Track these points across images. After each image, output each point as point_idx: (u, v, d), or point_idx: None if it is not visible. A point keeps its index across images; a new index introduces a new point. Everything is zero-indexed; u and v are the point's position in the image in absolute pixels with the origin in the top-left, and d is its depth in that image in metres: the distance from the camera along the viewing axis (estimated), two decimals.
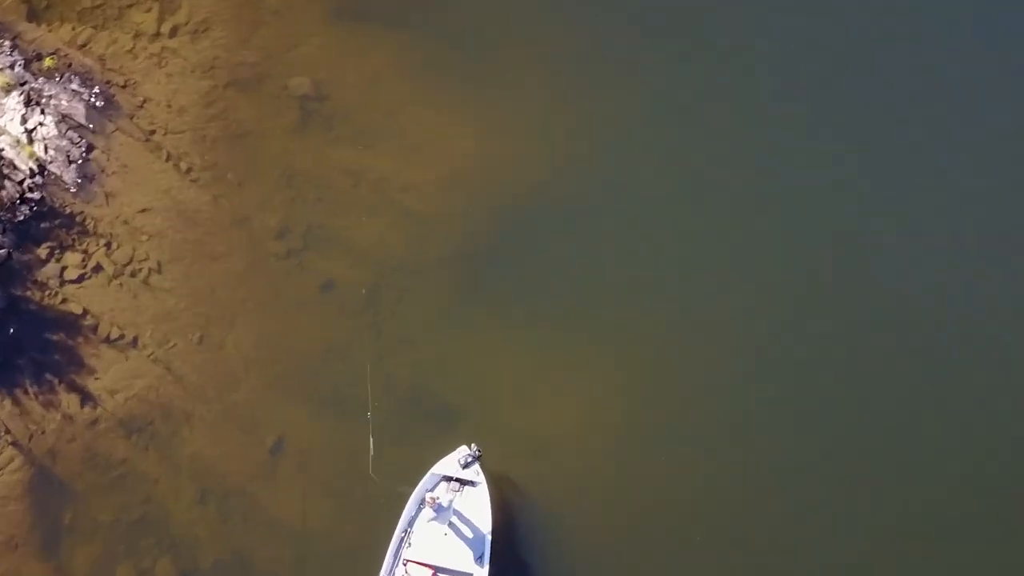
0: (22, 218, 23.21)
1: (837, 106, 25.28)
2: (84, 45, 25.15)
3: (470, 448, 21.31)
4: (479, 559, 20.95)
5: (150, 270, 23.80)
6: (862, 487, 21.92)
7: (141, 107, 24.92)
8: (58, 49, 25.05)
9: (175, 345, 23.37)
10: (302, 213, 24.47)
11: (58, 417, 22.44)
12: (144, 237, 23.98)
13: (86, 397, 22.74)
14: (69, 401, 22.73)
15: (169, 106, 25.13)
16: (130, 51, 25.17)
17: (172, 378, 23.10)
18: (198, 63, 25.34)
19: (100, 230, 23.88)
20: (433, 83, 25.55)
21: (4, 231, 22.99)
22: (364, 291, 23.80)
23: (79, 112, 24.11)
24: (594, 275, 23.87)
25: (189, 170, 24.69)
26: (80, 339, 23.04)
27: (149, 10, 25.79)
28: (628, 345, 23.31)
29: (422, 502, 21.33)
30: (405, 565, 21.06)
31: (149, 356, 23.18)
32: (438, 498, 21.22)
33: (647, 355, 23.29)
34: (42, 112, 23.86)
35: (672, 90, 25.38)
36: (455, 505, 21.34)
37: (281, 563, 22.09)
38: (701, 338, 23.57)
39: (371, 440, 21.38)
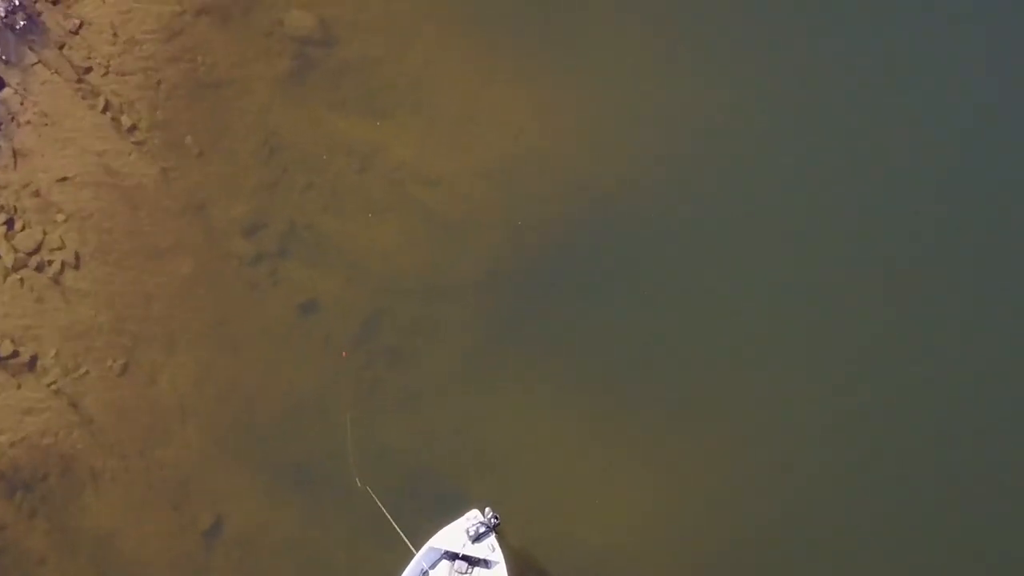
0: None
1: None
2: None
3: (484, 514, 19.05)
4: None
5: (64, 264, 20.76)
6: None
7: (76, 33, 21.79)
8: None
9: (88, 373, 20.48)
10: (284, 204, 21.54)
11: None
12: (60, 217, 20.79)
13: None
14: None
15: (115, 36, 21.96)
16: None
17: (79, 419, 20.16)
18: None
19: (1, 201, 20.67)
20: (485, 36, 22.71)
21: None
22: (361, 319, 20.68)
23: None
24: (683, 327, 20.87)
25: (133, 128, 21.67)
26: None
27: None
28: (718, 431, 20.64)
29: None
30: None
31: (50, 386, 20.21)
32: None
33: (743, 451, 20.50)
34: None
35: (822, 77, 22.51)
36: None
37: None
38: (827, 438, 20.61)
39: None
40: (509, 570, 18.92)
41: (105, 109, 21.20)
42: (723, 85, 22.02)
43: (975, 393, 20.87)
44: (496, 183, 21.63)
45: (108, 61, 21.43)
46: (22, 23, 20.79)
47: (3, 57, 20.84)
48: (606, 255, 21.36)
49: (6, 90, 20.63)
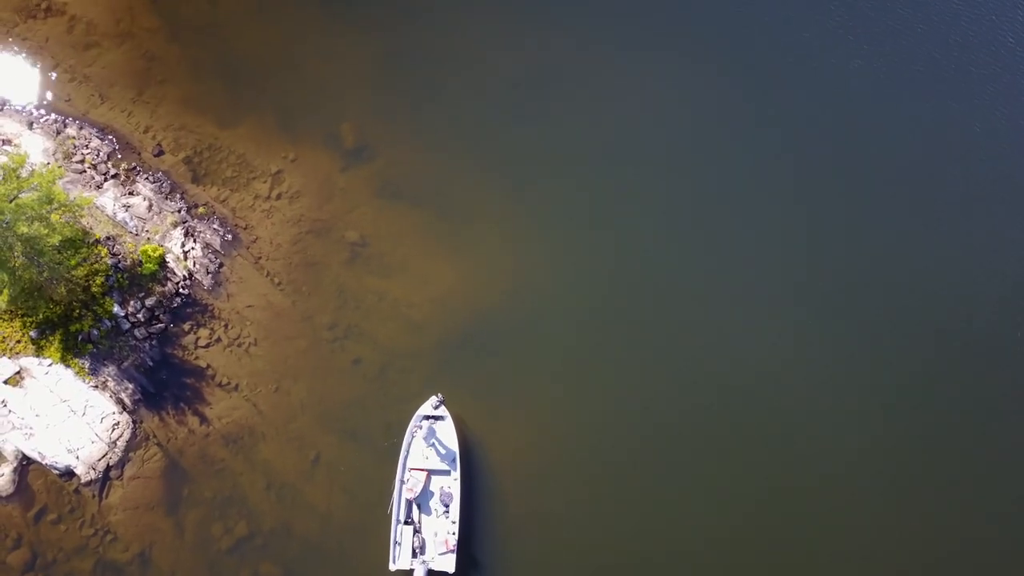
0: (176, 305, 31.25)
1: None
2: (223, 200, 32.26)
3: (437, 397, 29.29)
4: (452, 462, 28.54)
5: (249, 344, 30.76)
6: None
7: (254, 242, 31.65)
8: (208, 202, 32.35)
9: (260, 391, 30.31)
10: (345, 316, 31.05)
11: (185, 430, 29.32)
12: (248, 322, 30.97)
13: (203, 419, 29.54)
14: (193, 420, 29.52)
15: (271, 243, 31.92)
16: (251, 207, 32.31)
17: (256, 411, 29.72)
18: (291, 217, 32.39)
19: (222, 316, 31.08)
20: (432, 240, 32.37)
21: (165, 312, 30.97)
22: (379, 367, 30.73)
23: (216, 242, 31.62)
24: (523, 360, 31.76)
25: (279, 283, 31.32)
26: (203, 383, 30.03)
27: (265, 182, 33.08)
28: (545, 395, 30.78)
29: (417, 428, 28.88)
30: (409, 471, 28.60)
31: (244, 397, 30.18)
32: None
33: (559, 390, 30.46)
34: (194, 240, 31.63)
35: (572, 247, 32.42)
36: (434, 431, 28.67)
37: (312, 526, 28.84)
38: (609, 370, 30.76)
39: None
40: (453, 419, 28.20)
41: (267, 275, 30.81)
42: (537, 261, 30.54)
43: None
44: (438, 304, 30.57)
45: (268, 254, 31.48)
46: (231, 236, 31.10)
47: (223, 253, 30.95)
48: (493, 334, 30.64)
49: (224, 267, 31.06)
